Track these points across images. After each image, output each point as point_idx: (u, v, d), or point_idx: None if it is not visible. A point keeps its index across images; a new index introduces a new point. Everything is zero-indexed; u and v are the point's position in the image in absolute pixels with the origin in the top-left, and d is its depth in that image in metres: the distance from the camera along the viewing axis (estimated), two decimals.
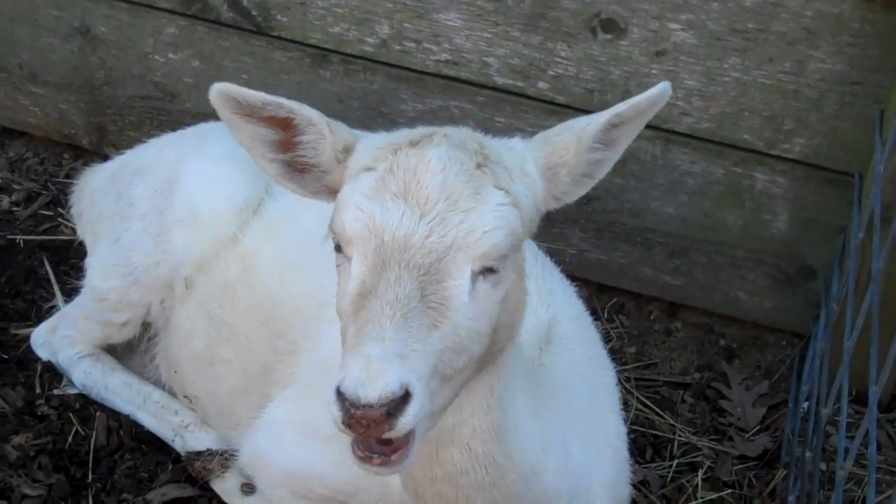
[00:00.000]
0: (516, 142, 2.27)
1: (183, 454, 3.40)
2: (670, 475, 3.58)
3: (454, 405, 2.23)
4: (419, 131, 2.24)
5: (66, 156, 4.65)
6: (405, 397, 1.94)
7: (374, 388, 1.91)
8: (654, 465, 3.61)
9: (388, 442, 2.00)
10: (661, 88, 2.19)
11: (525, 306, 2.30)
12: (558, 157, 2.23)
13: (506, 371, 2.32)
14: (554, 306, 2.63)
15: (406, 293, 2.03)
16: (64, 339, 3.66)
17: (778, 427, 3.73)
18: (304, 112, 2.24)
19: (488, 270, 2.09)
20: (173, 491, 3.36)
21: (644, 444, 3.66)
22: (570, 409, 2.67)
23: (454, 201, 2.09)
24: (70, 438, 3.48)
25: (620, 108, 2.20)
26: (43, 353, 3.71)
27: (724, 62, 3.63)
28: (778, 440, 3.67)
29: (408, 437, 2.00)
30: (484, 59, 3.86)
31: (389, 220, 2.08)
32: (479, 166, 2.14)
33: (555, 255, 3.34)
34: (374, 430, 1.94)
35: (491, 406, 2.31)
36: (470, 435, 2.33)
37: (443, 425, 2.26)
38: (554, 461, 2.56)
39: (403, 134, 2.24)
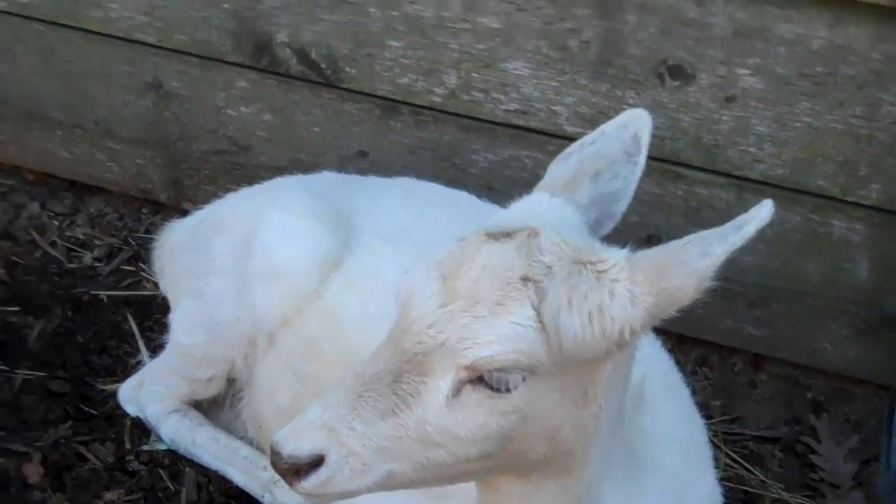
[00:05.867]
0: (621, 262, 2.09)
1: None
2: None
3: (524, 497, 2.27)
4: (514, 223, 2.16)
5: (144, 210, 4.71)
6: (317, 463, 2.05)
7: (286, 446, 2.05)
8: None
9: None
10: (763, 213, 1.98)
11: (587, 431, 2.19)
12: (671, 298, 2.06)
13: (589, 474, 2.28)
14: (644, 362, 2.55)
15: (376, 372, 2.05)
16: (151, 394, 3.70)
17: (871, 482, 3.69)
18: None
19: (480, 380, 2.04)
20: None
21: (735, 501, 3.59)
22: (666, 475, 2.61)
23: (474, 303, 2.02)
24: (160, 494, 3.53)
25: (736, 241, 1.99)
26: (130, 409, 3.75)
27: (794, 107, 3.62)
28: (872, 496, 3.63)
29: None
30: (552, 107, 3.88)
31: (419, 294, 2.08)
32: (525, 279, 2.04)
33: None
34: (287, 478, 2.10)
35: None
36: None
37: None
38: None
39: (501, 219, 2.21)
